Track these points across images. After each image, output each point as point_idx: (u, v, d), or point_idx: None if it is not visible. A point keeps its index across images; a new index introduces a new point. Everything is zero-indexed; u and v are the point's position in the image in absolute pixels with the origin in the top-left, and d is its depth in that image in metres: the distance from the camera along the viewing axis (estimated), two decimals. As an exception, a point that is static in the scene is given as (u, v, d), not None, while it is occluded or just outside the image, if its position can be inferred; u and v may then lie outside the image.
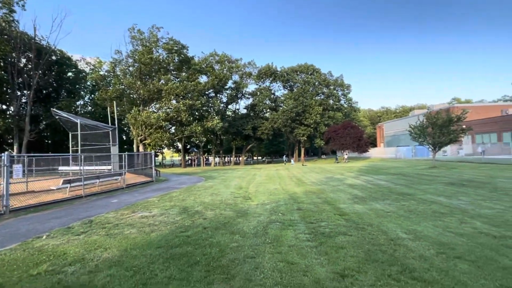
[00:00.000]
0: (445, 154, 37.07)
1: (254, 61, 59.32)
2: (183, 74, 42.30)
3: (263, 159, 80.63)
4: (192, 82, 35.26)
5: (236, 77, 53.70)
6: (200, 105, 35.62)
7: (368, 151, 47.17)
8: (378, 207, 8.43)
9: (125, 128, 55.73)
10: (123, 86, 38.74)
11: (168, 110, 36.29)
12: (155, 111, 39.33)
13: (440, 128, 22.30)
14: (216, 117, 39.14)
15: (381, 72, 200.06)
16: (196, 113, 43.52)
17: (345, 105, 59.79)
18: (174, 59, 40.15)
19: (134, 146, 41.83)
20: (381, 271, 3.91)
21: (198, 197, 11.30)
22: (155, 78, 37.28)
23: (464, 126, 23.52)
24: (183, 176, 24.54)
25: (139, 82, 37.69)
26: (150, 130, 38.34)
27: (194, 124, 36.02)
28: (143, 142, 40.83)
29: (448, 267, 3.98)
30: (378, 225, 6.41)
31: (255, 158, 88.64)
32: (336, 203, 9.37)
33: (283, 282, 3.64)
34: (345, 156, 44.56)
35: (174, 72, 42.90)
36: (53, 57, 42.18)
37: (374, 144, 71.47)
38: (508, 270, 3.82)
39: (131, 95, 40.36)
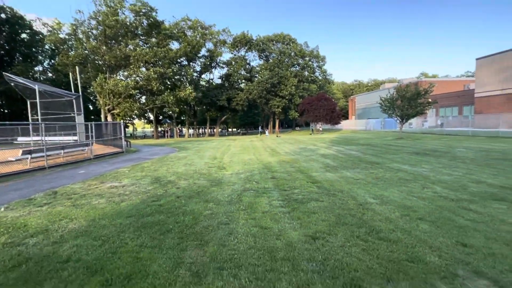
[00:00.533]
0: (411, 126, 39.03)
1: (228, 29, 56.75)
2: (153, 40, 39.75)
3: (238, 130, 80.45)
4: (163, 48, 33.24)
5: (210, 45, 51.45)
6: (171, 74, 34.00)
7: (340, 123, 48.44)
8: (348, 175, 8.74)
9: (91, 97, 52.44)
10: (87, 51, 35.80)
11: (137, 78, 34.32)
12: (123, 79, 37.13)
13: (409, 100, 23.16)
14: (189, 87, 37.67)
15: (355, 46, 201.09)
16: (168, 82, 41.65)
17: (320, 77, 59.98)
18: (142, 23, 37.42)
19: (102, 116, 39.80)
20: (350, 233, 4.08)
21: (171, 167, 11.07)
22: (122, 43, 34.74)
23: (430, 100, 24.58)
24: (155, 147, 23.90)
25: (104, 47, 35.00)
26: (119, 99, 36.44)
27: (166, 93, 34.54)
28: (112, 112, 38.91)
29: (411, 227, 4.24)
30: (348, 191, 6.66)
31: (230, 130, 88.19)
32: (309, 171, 9.59)
33: (257, 246, 3.69)
34: (320, 128, 45.60)
35: (143, 37, 40.19)
36: (2, 15, 37.71)
37: (346, 117, 73.44)
38: (463, 229, 4.14)
39: (96, 61, 37.58)
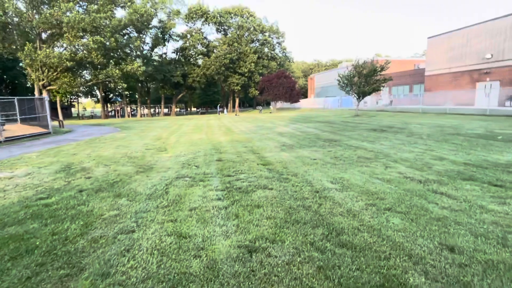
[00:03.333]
0: (365, 104, 39.91)
1: (183, -2, 52.20)
2: (94, 6, 34.63)
3: (198, 110, 77.18)
4: (103, 15, 28.96)
5: (162, 16, 46.87)
6: (115, 44, 29.94)
7: (300, 101, 48.22)
8: (305, 154, 7.75)
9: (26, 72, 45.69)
10: (11, 13, 30.01)
11: (74, 49, 29.79)
12: (60, 50, 32.17)
13: (365, 77, 22.99)
14: (137, 60, 33.86)
15: (315, 27, 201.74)
16: (115, 55, 37.09)
17: (280, 54, 58.67)
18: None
19: (36, 93, 34.74)
20: (303, 237, 2.93)
21: (97, 150, 9.16)
22: (54, 6, 29.61)
23: (385, 77, 24.69)
24: (95, 127, 21.09)
25: (31, 10, 29.66)
26: (55, 74, 31.76)
27: (110, 67, 30.61)
28: (48, 88, 34.09)
29: (380, 223, 3.23)
30: (304, 174, 5.60)
31: (190, 109, 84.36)
32: (262, 151, 8.44)
33: (159, 273, 2.36)
34: (271, 108, 44.98)
35: (84, 3, 34.66)
36: None
37: (305, 96, 73.89)
38: (442, 222, 3.23)
39: (22, 27, 31.84)
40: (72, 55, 29.12)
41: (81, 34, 27.73)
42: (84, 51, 29.21)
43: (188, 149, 9.24)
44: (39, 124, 17.18)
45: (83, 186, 4.96)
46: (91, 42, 26.82)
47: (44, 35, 33.89)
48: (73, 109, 73.62)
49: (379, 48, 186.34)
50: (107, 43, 30.09)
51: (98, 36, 28.12)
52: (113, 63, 31.82)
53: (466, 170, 5.64)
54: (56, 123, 18.67)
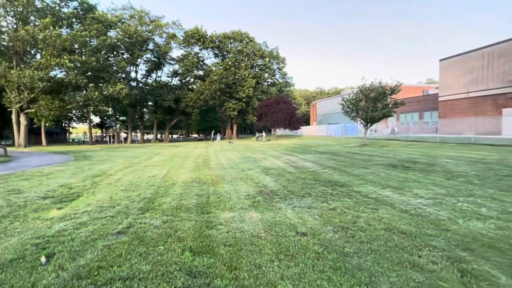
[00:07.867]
0: (371, 132, 36.65)
1: (180, 22, 51.28)
2: (80, 26, 32.82)
3: (196, 136, 74.58)
4: (84, 33, 26.72)
5: (158, 40, 45.38)
6: (95, 64, 27.40)
7: (300, 128, 45.18)
8: (288, 218, 4.32)
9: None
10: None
11: (51, 68, 27.32)
12: (38, 70, 29.90)
13: (374, 101, 19.91)
14: (121, 82, 31.28)
15: (318, 56, 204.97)
16: (99, 76, 34.36)
17: (280, 80, 56.64)
18: (67, 3, 30.64)
19: (13, 116, 32.13)
20: None
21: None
22: (32, 23, 27.69)
23: (397, 101, 21.61)
24: (51, 156, 17.76)
25: (5, 27, 27.74)
26: (32, 96, 29.29)
27: (90, 89, 28.00)
28: (26, 111, 31.50)
29: None
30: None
31: (188, 135, 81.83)
32: (219, 207, 5.04)
33: None
34: (263, 135, 41.65)
35: (77, 23, 32.82)
36: None
37: (307, 123, 71.24)
38: None
39: None
40: (50, 75, 26.62)
41: (59, 52, 25.34)
42: (65, 71, 26.72)
43: (110, 199, 5.87)
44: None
45: None
46: (67, 61, 24.31)
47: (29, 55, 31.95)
48: (69, 135, 71.02)
49: (382, 77, 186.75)
50: (90, 63, 27.60)
51: (77, 56, 25.72)
52: (93, 85, 29.17)
53: None
54: None
